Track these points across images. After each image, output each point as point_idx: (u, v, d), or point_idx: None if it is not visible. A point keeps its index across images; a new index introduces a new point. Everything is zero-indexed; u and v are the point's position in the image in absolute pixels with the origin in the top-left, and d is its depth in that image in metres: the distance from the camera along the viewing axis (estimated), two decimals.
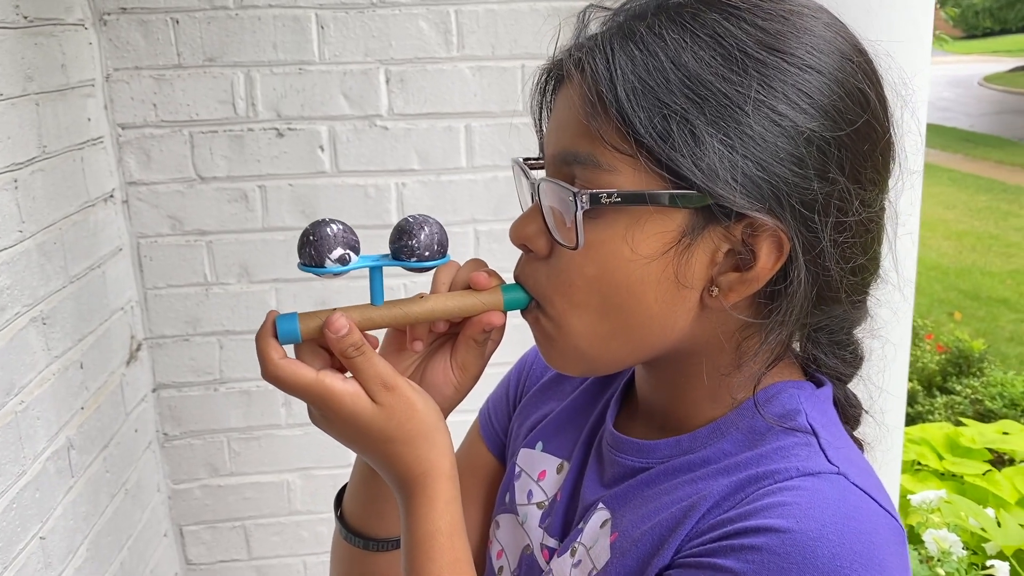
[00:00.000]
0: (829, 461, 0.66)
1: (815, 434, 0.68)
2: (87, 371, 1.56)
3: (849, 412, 0.77)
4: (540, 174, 0.76)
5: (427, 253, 0.71)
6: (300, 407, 1.91)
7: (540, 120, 0.76)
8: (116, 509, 1.66)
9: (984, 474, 2.01)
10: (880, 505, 0.65)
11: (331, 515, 2.07)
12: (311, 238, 0.68)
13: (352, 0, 1.73)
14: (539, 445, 0.88)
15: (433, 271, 0.76)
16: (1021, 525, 1.85)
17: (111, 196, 1.73)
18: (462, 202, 1.84)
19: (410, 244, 0.71)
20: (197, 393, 1.90)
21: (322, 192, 1.82)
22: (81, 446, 1.52)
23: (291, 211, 1.83)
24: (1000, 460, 2.28)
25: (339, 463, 1.98)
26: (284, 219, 1.83)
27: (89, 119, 1.65)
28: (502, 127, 1.82)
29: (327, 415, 0.70)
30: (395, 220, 1.83)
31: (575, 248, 0.67)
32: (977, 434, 2.20)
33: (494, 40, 1.78)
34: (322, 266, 0.69)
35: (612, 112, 0.64)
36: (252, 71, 1.74)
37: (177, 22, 1.70)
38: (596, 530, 0.74)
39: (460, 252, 1.83)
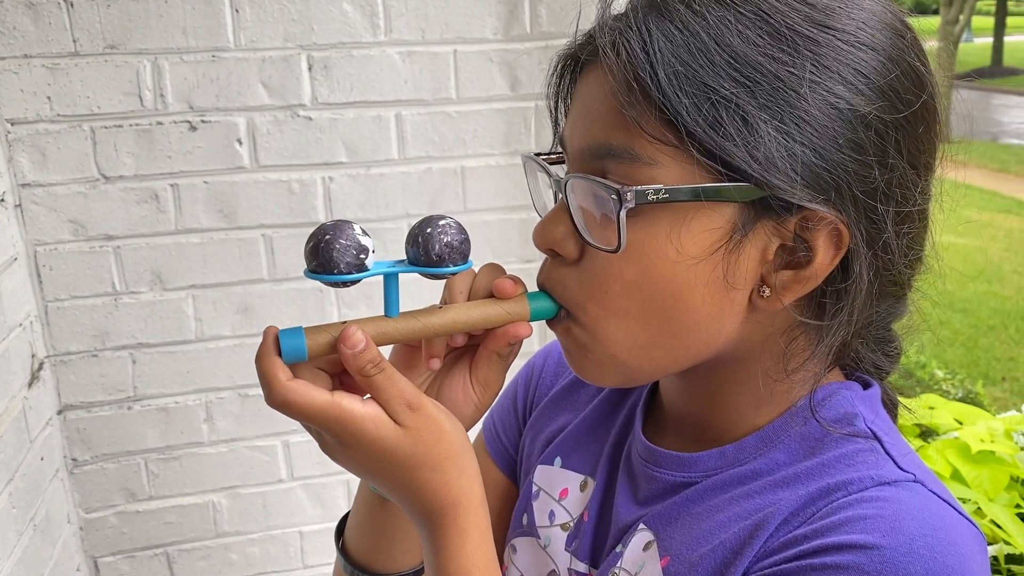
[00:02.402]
0: (900, 468, 0.62)
1: (878, 439, 0.64)
2: None
3: (892, 412, 0.73)
4: (557, 170, 0.68)
5: (452, 257, 0.62)
6: (224, 422, 1.78)
7: (557, 111, 0.69)
8: (25, 548, 1.49)
9: (917, 449, 2.06)
10: (959, 512, 0.61)
11: (262, 535, 1.95)
12: (324, 240, 0.59)
13: None
14: (557, 461, 0.81)
15: (446, 278, 0.68)
16: (959, 498, 1.90)
17: (2, 200, 1.55)
18: (394, 196, 1.74)
19: (432, 247, 0.62)
20: (108, 413, 1.74)
21: (241, 189, 1.68)
22: None
23: (207, 211, 1.68)
24: (924, 435, 2.35)
25: (267, 480, 1.85)
26: (200, 220, 1.68)
27: None
28: (435, 116, 1.72)
29: (346, 441, 0.61)
30: (322, 218, 1.71)
31: (615, 250, 0.59)
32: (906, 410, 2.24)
33: (424, 24, 1.68)
34: (332, 272, 0.59)
35: (654, 99, 0.57)
36: (160, 59, 1.59)
37: (72, 5, 1.53)
38: (639, 554, 0.68)
39: (393, 250, 1.73)
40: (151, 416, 1.76)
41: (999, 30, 19.58)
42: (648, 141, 0.58)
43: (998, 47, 19.58)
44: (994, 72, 18.80)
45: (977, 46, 22.49)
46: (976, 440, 2.04)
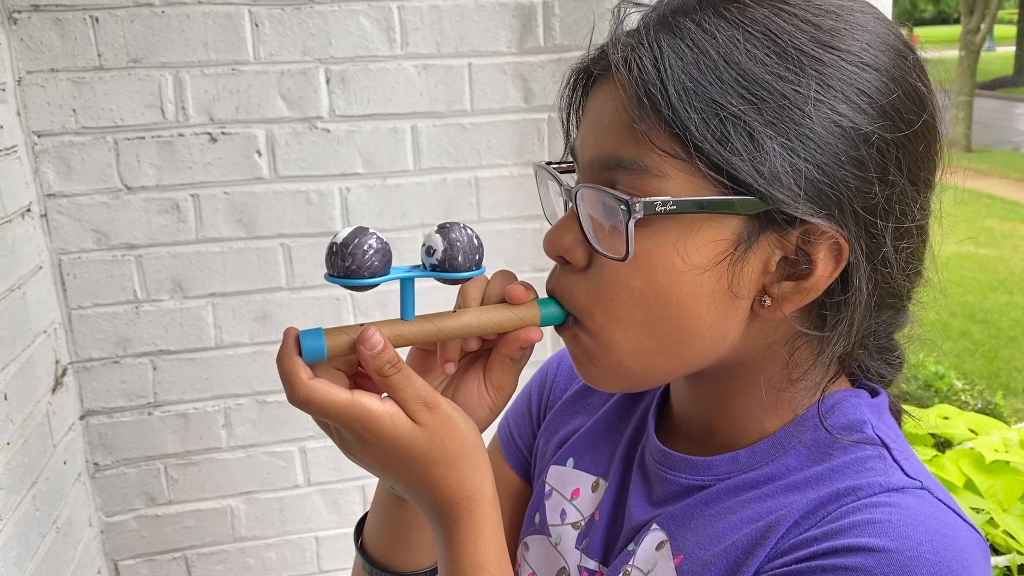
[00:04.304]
0: (908, 475, 0.64)
1: (886, 446, 0.66)
2: (11, 403, 1.43)
3: (898, 419, 0.75)
4: (567, 179, 0.71)
5: (466, 263, 0.64)
6: (242, 428, 1.81)
7: (569, 122, 0.71)
8: (48, 550, 1.53)
9: (931, 459, 2.06)
10: (963, 519, 0.63)
11: (278, 540, 1.98)
12: (347, 249, 0.62)
13: None
14: (570, 462, 0.83)
15: (460, 284, 0.70)
16: (972, 508, 1.89)
17: (28, 210, 1.59)
18: (410, 206, 1.77)
19: (447, 254, 0.64)
20: (129, 418, 1.77)
21: (260, 200, 1.72)
22: (9, 485, 1.39)
23: (227, 221, 1.72)
24: (939, 445, 2.35)
25: (284, 485, 1.88)
26: (220, 230, 1.72)
27: (0, 127, 1.51)
28: (450, 127, 1.75)
29: (365, 438, 0.63)
30: (339, 227, 1.74)
31: (623, 259, 0.62)
32: (920, 419, 2.23)
33: (439, 37, 1.71)
34: (360, 277, 0.61)
35: (663, 114, 0.59)
36: (181, 72, 1.63)
37: (97, 20, 1.58)
38: (652, 552, 0.70)
39: (410, 259, 1.76)
40: (171, 422, 1.79)
41: (1021, 39, 19.43)
42: (657, 154, 0.60)
43: (1020, 56, 19.43)
44: (1016, 81, 18.65)
45: (999, 55, 22.33)
46: (990, 450, 2.04)
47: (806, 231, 0.61)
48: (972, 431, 2.24)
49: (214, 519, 1.86)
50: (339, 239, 0.62)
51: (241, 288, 1.75)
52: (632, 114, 0.61)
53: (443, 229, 0.65)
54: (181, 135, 1.66)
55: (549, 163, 0.72)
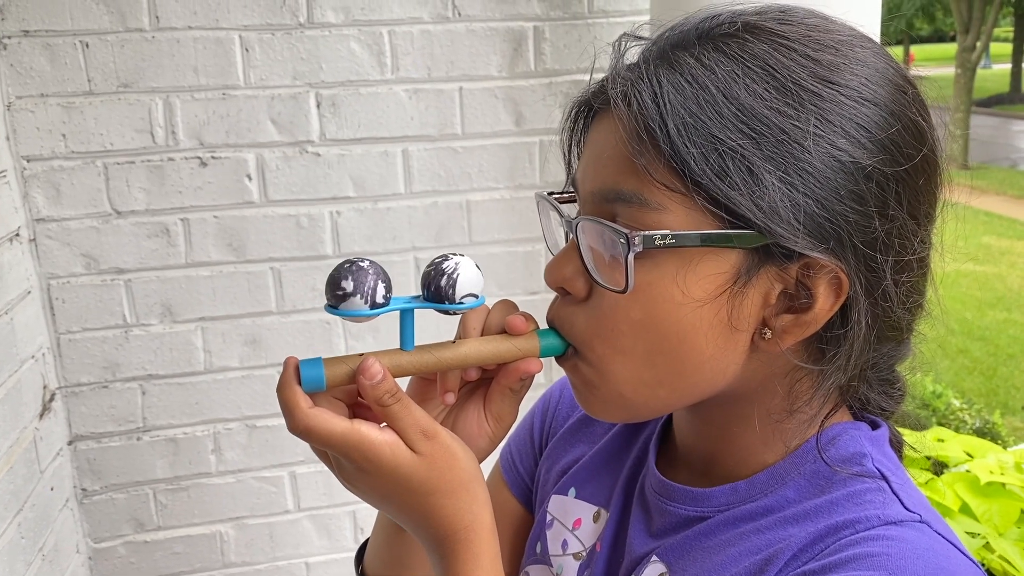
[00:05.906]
0: (907, 508, 0.63)
1: (885, 478, 0.65)
2: None
3: (899, 451, 0.74)
4: (568, 208, 0.71)
5: (464, 295, 0.64)
6: (232, 453, 1.80)
7: (570, 153, 0.71)
8: None
9: (926, 483, 2.04)
10: (963, 552, 0.62)
11: (268, 566, 1.96)
12: (349, 277, 0.62)
13: (278, 21, 1.64)
14: (572, 491, 0.83)
15: (461, 314, 0.70)
16: (968, 532, 1.88)
17: (17, 235, 1.59)
18: (401, 230, 1.76)
19: (446, 286, 0.64)
20: (118, 443, 1.76)
21: (251, 224, 1.71)
22: None
23: (217, 245, 1.71)
24: (935, 467, 2.33)
25: (274, 510, 1.86)
26: (209, 254, 1.71)
27: None
28: (441, 151, 1.75)
29: (364, 467, 0.63)
30: (330, 251, 1.74)
31: (623, 291, 0.62)
32: (915, 442, 2.21)
33: (430, 62, 1.71)
34: (375, 305, 0.61)
35: (663, 148, 0.59)
36: (171, 96, 1.63)
37: (87, 46, 1.58)
38: None
39: (401, 282, 1.76)
40: (160, 447, 1.78)
41: (1017, 56, 19.53)
42: (657, 187, 0.60)
43: (1016, 73, 19.54)
44: (1013, 98, 18.74)
45: (995, 72, 22.45)
46: (986, 472, 2.02)
47: (806, 265, 0.61)
48: (968, 454, 2.22)
49: (203, 545, 1.85)
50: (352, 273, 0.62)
51: (231, 312, 1.74)
52: (632, 148, 0.61)
53: (440, 269, 0.65)
54: (171, 159, 1.66)
55: (551, 193, 0.72)
